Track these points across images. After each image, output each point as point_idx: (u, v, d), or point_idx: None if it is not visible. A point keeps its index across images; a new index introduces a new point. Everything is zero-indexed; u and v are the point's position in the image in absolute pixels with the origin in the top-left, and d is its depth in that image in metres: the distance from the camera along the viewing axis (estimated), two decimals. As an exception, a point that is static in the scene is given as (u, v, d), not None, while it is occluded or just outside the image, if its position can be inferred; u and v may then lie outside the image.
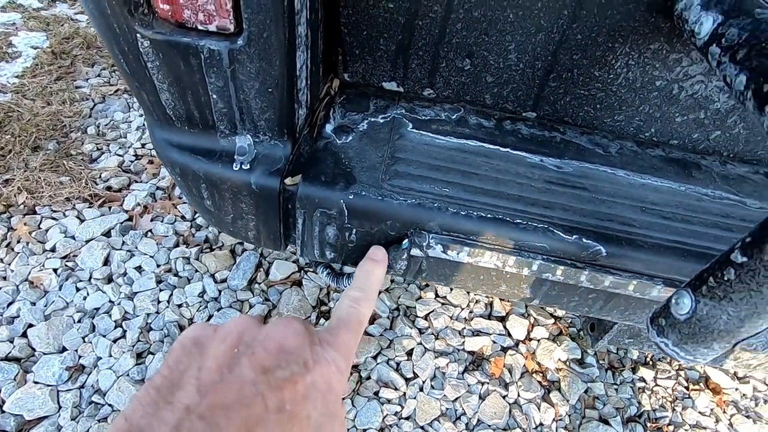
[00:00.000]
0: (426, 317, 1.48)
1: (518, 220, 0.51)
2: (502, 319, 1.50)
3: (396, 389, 1.26)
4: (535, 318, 1.51)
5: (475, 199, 0.52)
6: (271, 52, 0.43)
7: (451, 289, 1.56)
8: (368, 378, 1.29)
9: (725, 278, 0.33)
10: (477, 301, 1.54)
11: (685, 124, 0.60)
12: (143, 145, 1.91)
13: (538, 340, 1.45)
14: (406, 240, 0.51)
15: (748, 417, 1.30)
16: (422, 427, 1.20)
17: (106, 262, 1.41)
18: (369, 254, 0.51)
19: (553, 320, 1.52)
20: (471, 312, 1.51)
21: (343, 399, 0.41)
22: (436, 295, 1.55)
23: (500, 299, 1.51)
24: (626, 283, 0.51)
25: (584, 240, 0.50)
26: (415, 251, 0.51)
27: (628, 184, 0.58)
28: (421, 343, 1.40)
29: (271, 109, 0.49)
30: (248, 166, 0.51)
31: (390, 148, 0.57)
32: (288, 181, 0.51)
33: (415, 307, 1.50)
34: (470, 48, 0.56)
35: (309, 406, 0.32)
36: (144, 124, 2.02)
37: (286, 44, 0.43)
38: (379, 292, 1.53)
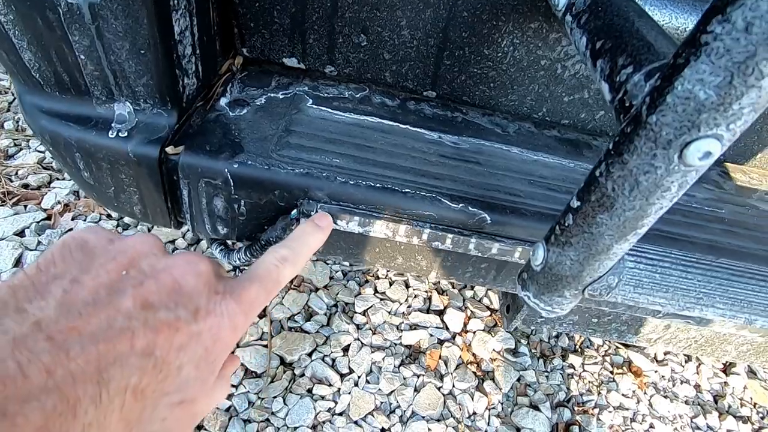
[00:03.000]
0: (364, 313, 1.47)
1: (406, 190, 0.51)
2: (440, 313, 1.52)
3: (330, 385, 1.24)
4: (471, 311, 1.54)
5: (365, 170, 0.52)
6: (136, 8, 0.41)
7: (390, 284, 1.57)
8: (302, 375, 1.26)
9: (566, 224, 0.35)
10: (416, 296, 1.55)
11: (572, 103, 0.63)
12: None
13: (474, 332, 1.48)
14: (295, 210, 0.51)
15: (666, 397, 1.38)
16: (356, 422, 1.19)
17: (18, 263, 1.31)
18: (314, 217, 0.47)
19: (488, 312, 1.55)
20: (409, 306, 1.52)
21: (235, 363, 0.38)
22: (376, 291, 1.55)
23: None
24: (512, 249, 0.52)
25: (470, 208, 0.52)
26: (303, 221, 0.51)
27: (520, 160, 0.60)
28: (358, 339, 1.39)
29: (147, 74, 0.47)
30: (125, 134, 0.49)
31: (285, 122, 0.56)
32: (169, 149, 0.49)
33: (353, 303, 1.48)
34: (364, 23, 0.57)
35: (183, 357, 0.28)
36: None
37: (152, 2, 0.41)
38: (317, 289, 1.51)
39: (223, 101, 0.58)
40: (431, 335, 1.44)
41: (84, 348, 0.24)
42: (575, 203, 0.34)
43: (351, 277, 1.59)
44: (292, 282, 1.51)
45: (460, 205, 0.52)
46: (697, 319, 0.48)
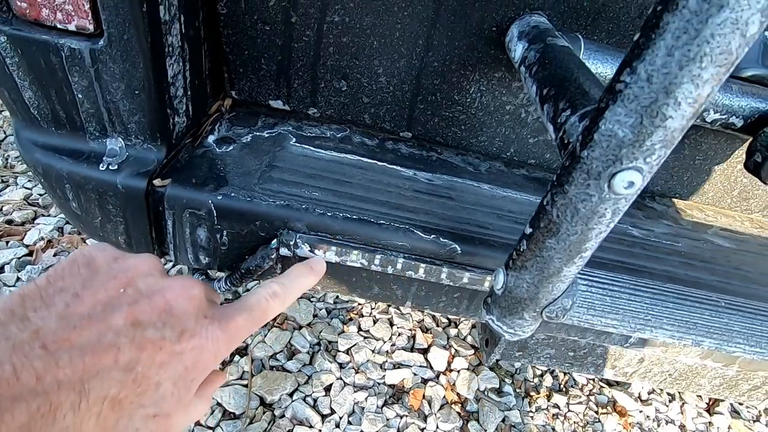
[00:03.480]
0: (347, 351, 1.46)
1: (381, 221, 0.55)
2: (424, 351, 1.51)
3: (311, 427, 1.21)
4: (456, 349, 1.53)
5: (343, 203, 0.56)
6: (133, 54, 0.46)
7: (374, 322, 1.56)
8: (282, 416, 1.23)
9: (521, 249, 0.38)
10: (400, 334, 1.55)
11: (537, 145, 0.68)
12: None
13: (458, 371, 1.47)
14: (275, 240, 0.53)
15: (650, 437, 1.37)
16: (336, 466, 1.15)
17: (-6, 299, 1.28)
18: (310, 260, 0.50)
19: (473, 351, 1.55)
20: (393, 345, 1.51)
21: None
22: (359, 329, 1.54)
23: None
24: (482, 279, 0.55)
25: (441, 239, 0.55)
26: (283, 250, 0.53)
27: (490, 196, 0.65)
28: (340, 378, 1.37)
29: (140, 112, 0.51)
30: (115, 167, 0.52)
31: (269, 158, 0.60)
32: (157, 182, 0.52)
33: (336, 342, 1.47)
34: (344, 70, 0.62)
35: (163, 374, 0.30)
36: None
37: (148, 49, 0.46)
38: (300, 327, 1.50)
39: (210, 138, 0.62)
40: (415, 374, 1.43)
41: (72, 359, 0.26)
42: (528, 230, 0.38)
43: (335, 315, 1.58)
44: (275, 320, 1.50)
45: (432, 236, 0.55)
46: (650, 341, 0.51)
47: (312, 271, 0.47)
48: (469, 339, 1.60)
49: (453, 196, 0.62)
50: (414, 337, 1.56)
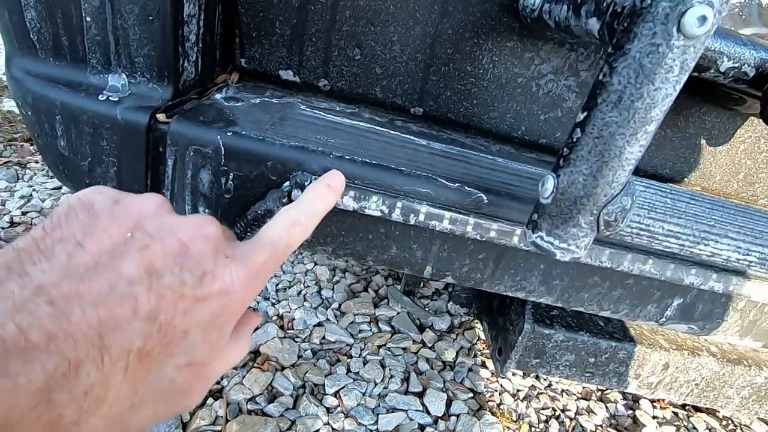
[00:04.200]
0: (336, 394, 1.31)
1: (402, 168, 0.51)
2: (420, 395, 1.38)
3: (294, 477, 1.04)
4: (453, 392, 1.41)
5: (360, 150, 0.52)
6: (154, -29, 0.44)
7: (365, 363, 1.44)
8: (260, 466, 1.06)
9: (574, 140, 0.35)
10: (392, 376, 1.42)
11: (548, 122, 0.68)
12: (24, 213, 1.72)
13: (458, 416, 1.33)
14: (287, 182, 0.48)
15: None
16: None
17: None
18: (325, 177, 0.45)
19: (471, 394, 1.42)
20: (386, 387, 1.38)
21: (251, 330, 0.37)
22: (348, 370, 1.41)
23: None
24: (511, 231, 0.51)
25: (466, 188, 0.51)
26: (296, 193, 0.48)
27: (506, 167, 0.62)
28: (328, 423, 1.21)
29: (150, 43, 0.48)
30: (116, 99, 0.48)
31: (280, 115, 0.57)
32: (160, 116, 0.48)
33: (323, 384, 1.33)
34: (359, 37, 0.62)
35: (189, 321, 0.28)
36: (30, 194, 1.84)
37: (170, -33, 0.44)
38: (283, 368, 1.35)
39: (218, 96, 0.59)
40: (411, 419, 1.29)
41: (85, 313, 0.24)
42: (582, 115, 0.35)
43: (321, 356, 1.45)
44: (254, 360, 1.35)
45: (456, 184, 0.51)
46: (712, 261, 0.46)
47: (330, 188, 0.43)
48: (467, 382, 1.48)
49: (470, 161, 0.60)
50: (408, 379, 1.43)
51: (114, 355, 0.24)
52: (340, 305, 1.68)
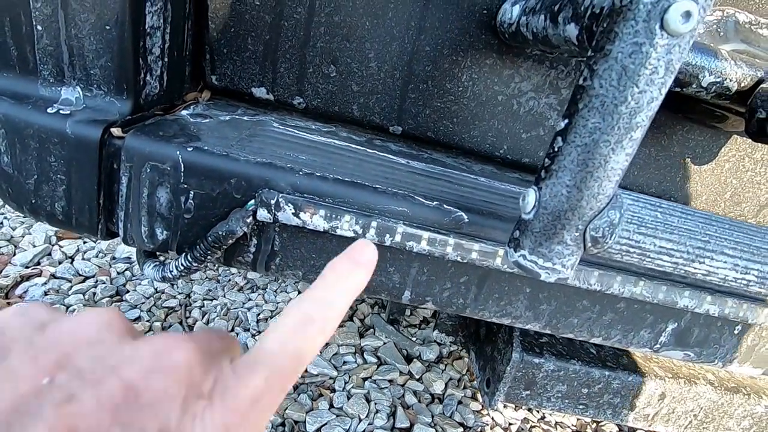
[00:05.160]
0: (317, 432, 1.23)
1: (377, 186, 0.48)
2: (408, 431, 1.30)
3: None
4: (441, 427, 1.34)
5: (333, 166, 0.49)
6: (111, -21, 0.42)
7: (349, 398, 1.36)
8: None
9: (556, 149, 0.32)
10: (378, 411, 1.34)
11: (530, 141, 0.66)
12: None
13: (447, 452, 1.25)
14: (252, 200, 0.45)
15: None
16: None
17: None
18: (352, 250, 0.29)
19: (461, 429, 1.35)
20: (371, 423, 1.30)
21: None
22: (331, 406, 1.33)
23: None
24: (494, 251, 0.48)
25: (445, 206, 0.48)
26: (262, 213, 0.44)
27: (488, 186, 0.60)
28: (308, 464, 1.13)
29: (107, 54, 0.45)
30: (67, 112, 0.44)
31: (249, 132, 0.54)
32: (115, 131, 0.45)
33: (304, 421, 1.25)
34: (334, 54, 0.61)
35: None
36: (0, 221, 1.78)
37: (129, -25, 0.42)
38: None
39: (184, 112, 0.56)
40: (397, 457, 1.21)
41: None
42: (562, 125, 0.33)
43: (302, 390, 1.37)
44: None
45: (435, 203, 0.48)
46: (707, 280, 0.43)
47: (357, 264, 0.28)
48: (456, 416, 1.41)
49: (451, 180, 0.57)
50: (394, 414, 1.36)
51: None
52: (323, 335, 1.61)
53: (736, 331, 0.55)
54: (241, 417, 0.21)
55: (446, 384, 1.54)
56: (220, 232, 0.44)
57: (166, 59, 0.53)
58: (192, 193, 0.46)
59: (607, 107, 0.30)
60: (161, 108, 0.55)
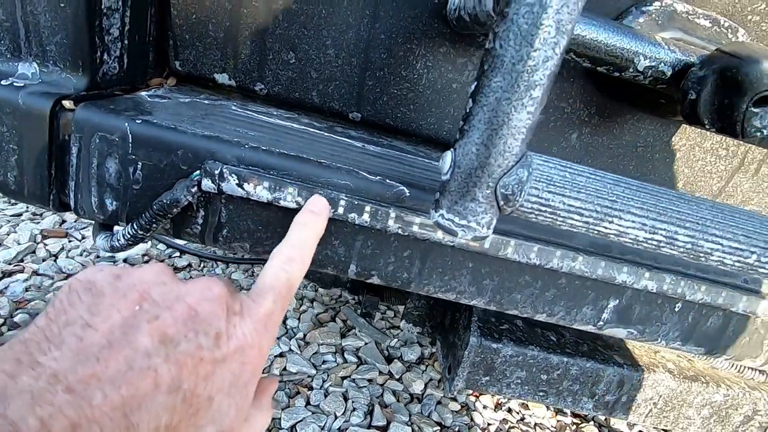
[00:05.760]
0: (292, 429, 1.23)
1: (323, 160, 0.50)
2: (384, 429, 1.30)
3: None
4: (419, 426, 1.33)
5: (281, 141, 0.51)
6: (64, -44, 0.44)
7: (326, 395, 1.36)
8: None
9: (467, 111, 0.34)
10: (354, 409, 1.34)
11: (486, 128, 0.68)
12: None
13: (422, 450, 1.25)
14: (198, 170, 0.46)
15: None
16: None
17: None
18: (307, 204, 0.44)
19: (438, 428, 1.35)
20: (347, 421, 1.30)
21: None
22: (308, 403, 1.33)
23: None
24: (434, 227, 0.49)
25: (388, 181, 0.50)
26: (206, 183, 0.46)
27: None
28: (280, 459, 1.13)
29: (62, 31, 0.47)
30: (21, 84, 0.46)
31: (205, 111, 0.56)
32: (66, 103, 0.46)
33: (279, 418, 1.25)
34: (293, 41, 0.63)
35: (211, 386, 0.28)
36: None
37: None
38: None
39: (143, 93, 0.58)
40: (372, 454, 1.20)
41: (106, 395, 0.24)
42: (472, 87, 0.34)
43: (280, 388, 1.37)
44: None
45: (378, 177, 0.50)
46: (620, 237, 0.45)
47: (314, 214, 0.43)
48: (434, 416, 1.41)
49: (403, 161, 0.59)
50: (371, 412, 1.36)
51: None
52: (305, 335, 1.61)
53: (676, 309, 0.56)
54: (262, 324, 0.32)
55: (426, 384, 1.54)
56: (165, 201, 0.46)
57: (126, 41, 0.55)
58: (140, 164, 0.47)
59: (507, 67, 0.31)
60: (121, 89, 0.57)
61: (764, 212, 0.76)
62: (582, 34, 0.52)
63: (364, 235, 0.51)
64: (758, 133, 0.50)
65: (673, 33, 0.57)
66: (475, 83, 0.34)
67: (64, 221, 1.96)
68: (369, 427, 1.30)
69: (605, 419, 1.58)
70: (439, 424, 1.38)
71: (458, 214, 0.36)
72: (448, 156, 0.36)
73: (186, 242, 2.03)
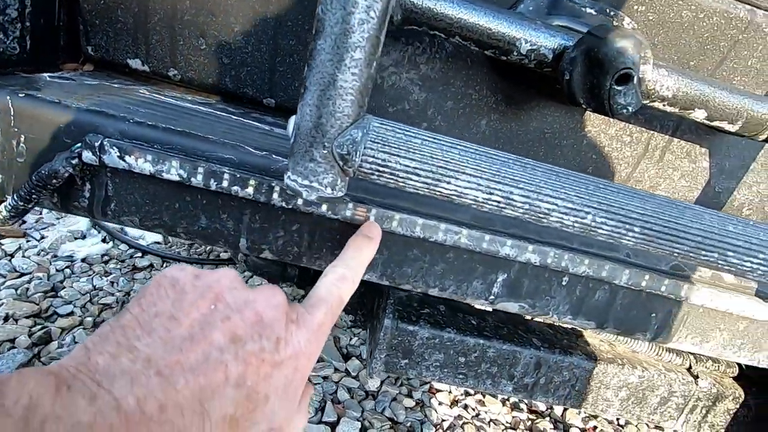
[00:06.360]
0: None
1: (209, 136, 0.51)
2: (333, 425, 1.30)
3: None
4: (370, 422, 1.33)
5: (170, 118, 0.52)
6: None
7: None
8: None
9: (304, 74, 0.36)
10: (306, 405, 1.34)
11: (397, 115, 0.71)
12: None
13: (369, 444, 1.25)
14: (80, 143, 0.47)
15: None
16: None
17: None
18: (363, 229, 0.49)
19: (390, 423, 1.35)
20: (296, 416, 1.29)
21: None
22: (257, 399, 1.32)
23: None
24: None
25: (274, 156, 0.51)
26: (87, 155, 0.47)
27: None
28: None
29: (-50, 8, 0.48)
30: None
31: (106, 92, 0.57)
32: (-51, 76, 0.47)
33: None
34: (202, 27, 0.65)
35: (269, 387, 0.31)
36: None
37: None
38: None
39: (46, 74, 0.59)
40: (319, 450, 1.20)
41: (188, 381, 0.27)
42: (307, 54, 0.36)
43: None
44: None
45: (264, 152, 0.51)
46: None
47: (369, 239, 0.47)
48: (387, 412, 1.41)
49: (305, 143, 0.61)
50: (323, 408, 1.35)
51: (213, 421, 0.27)
52: (262, 334, 1.61)
53: (564, 283, 0.58)
54: (314, 334, 0.35)
55: (382, 382, 1.54)
56: (44, 172, 0.47)
57: (28, 24, 0.56)
58: (23, 137, 0.48)
59: (328, 30, 0.33)
60: (23, 70, 0.58)
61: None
62: (465, 18, 0.54)
63: (251, 209, 0.52)
64: (624, 110, 0.52)
65: (561, 20, 0.60)
66: (309, 49, 0.36)
67: (24, 222, 1.94)
68: (319, 422, 1.30)
69: (561, 414, 1.59)
70: (391, 420, 1.38)
71: (301, 175, 0.38)
72: (292, 120, 0.38)
73: (149, 245, 2.03)
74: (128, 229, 2.07)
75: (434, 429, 1.40)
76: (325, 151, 0.36)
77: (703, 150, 0.75)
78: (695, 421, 0.85)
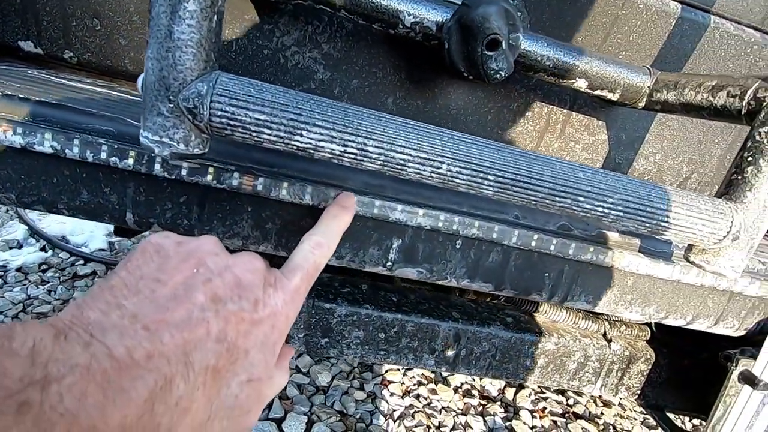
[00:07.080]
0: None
1: (88, 109, 0.50)
2: (279, 420, 1.29)
3: None
4: (318, 416, 1.33)
5: (49, 93, 0.51)
6: None
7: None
8: None
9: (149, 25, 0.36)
10: (252, 403, 1.31)
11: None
12: None
13: (315, 438, 1.24)
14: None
15: None
16: None
17: None
18: (338, 199, 0.51)
19: (338, 416, 1.35)
20: (240, 415, 1.27)
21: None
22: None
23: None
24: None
25: (156, 128, 0.51)
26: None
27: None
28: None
29: None
30: None
31: (-14, 70, 0.56)
32: None
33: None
34: (95, 7, 0.64)
35: (248, 342, 0.34)
36: None
37: None
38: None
39: None
40: (261, 445, 1.19)
41: (173, 335, 0.29)
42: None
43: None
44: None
45: (146, 124, 0.51)
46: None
47: (343, 208, 0.49)
48: (337, 405, 1.41)
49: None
50: (270, 405, 1.34)
51: (196, 370, 0.30)
52: (211, 336, 1.57)
53: (458, 246, 0.60)
54: (291, 296, 0.38)
55: (334, 377, 1.53)
56: None
57: None
58: None
59: (159, -19, 0.34)
60: None
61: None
62: (348, -8, 0.56)
63: (134, 181, 0.52)
64: (497, 75, 0.55)
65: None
66: (151, 4, 0.36)
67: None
68: (265, 419, 1.28)
69: (512, 398, 1.62)
70: (340, 412, 1.37)
71: (151, 130, 0.38)
72: (141, 77, 0.38)
73: (92, 252, 1.95)
74: (71, 237, 2.00)
75: (384, 419, 1.40)
76: (171, 105, 0.37)
77: (600, 123, 0.80)
78: (612, 384, 0.89)
